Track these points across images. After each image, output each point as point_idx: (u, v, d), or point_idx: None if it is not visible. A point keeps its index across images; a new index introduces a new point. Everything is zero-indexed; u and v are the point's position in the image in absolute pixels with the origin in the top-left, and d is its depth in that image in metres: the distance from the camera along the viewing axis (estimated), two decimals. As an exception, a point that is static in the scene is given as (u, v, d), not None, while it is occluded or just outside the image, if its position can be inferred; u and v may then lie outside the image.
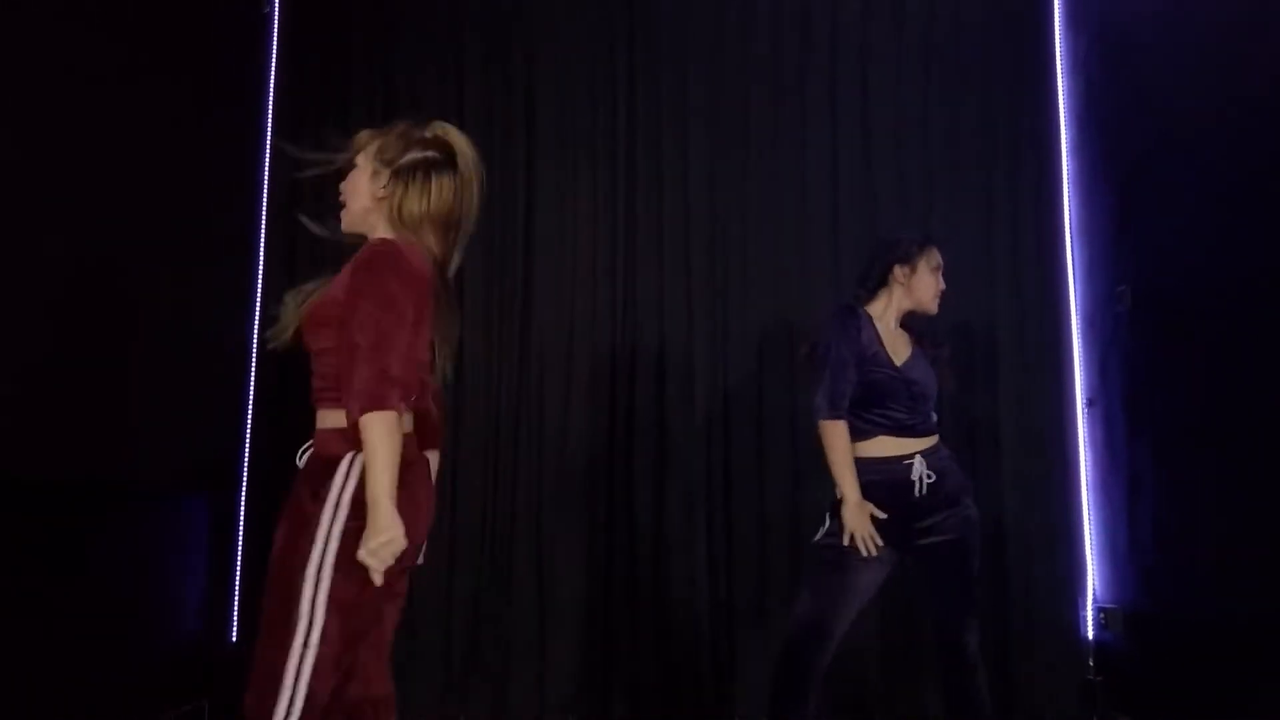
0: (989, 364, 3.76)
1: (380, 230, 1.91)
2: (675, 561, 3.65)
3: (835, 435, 2.64)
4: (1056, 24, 3.95)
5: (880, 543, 2.57)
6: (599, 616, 3.64)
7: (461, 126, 3.73)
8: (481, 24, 3.92)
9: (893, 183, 3.86)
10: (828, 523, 2.68)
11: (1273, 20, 2.68)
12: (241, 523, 3.64)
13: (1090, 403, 3.69)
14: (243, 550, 3.63)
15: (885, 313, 2.79)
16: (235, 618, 3.61)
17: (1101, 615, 3.56)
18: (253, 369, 3.68)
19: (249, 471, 3.68)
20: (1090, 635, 3.60)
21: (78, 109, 2.70)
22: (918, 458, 2.67)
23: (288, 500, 1.82)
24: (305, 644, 1.69)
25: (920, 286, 2.78)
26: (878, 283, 2.80)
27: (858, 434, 2.68)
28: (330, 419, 1.81)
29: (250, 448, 3.68)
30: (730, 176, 3.85)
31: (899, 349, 2.75)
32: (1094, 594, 3.62)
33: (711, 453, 3.72)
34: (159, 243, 3.07)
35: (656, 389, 3.75)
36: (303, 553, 1.70)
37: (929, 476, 2.66)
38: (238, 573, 3.63)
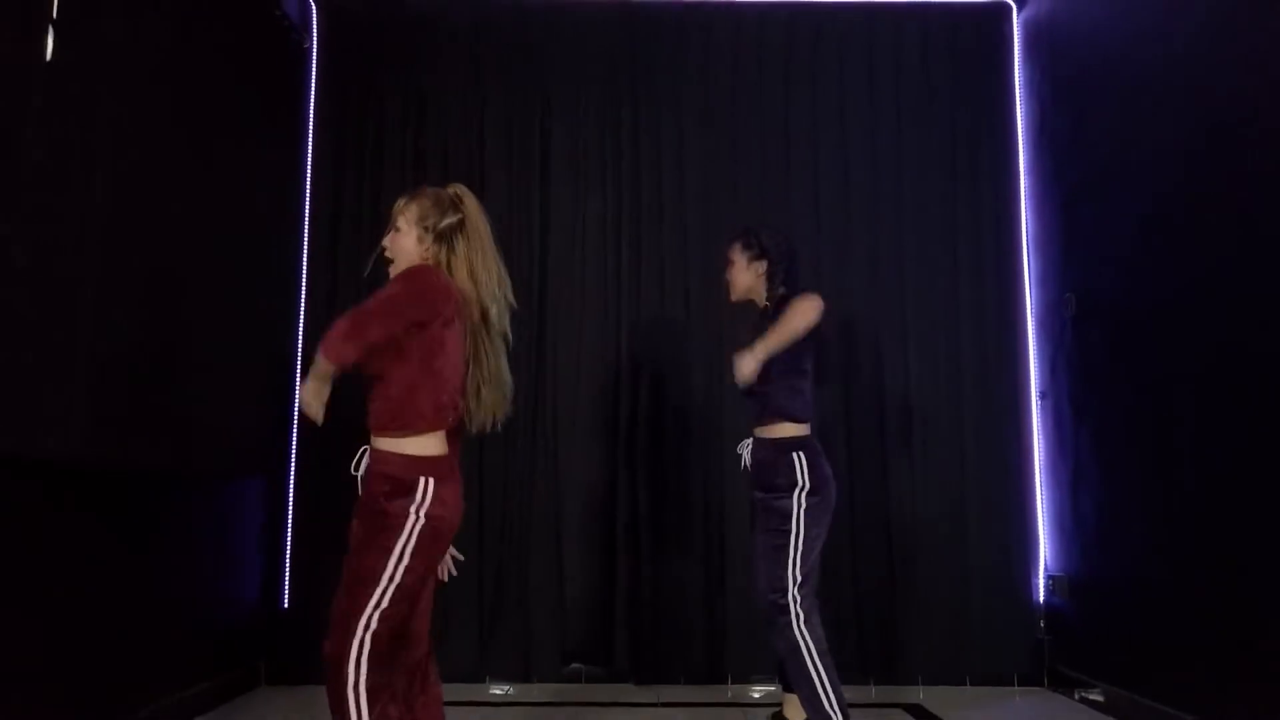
0: (953, 361, 4.22)
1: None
2: (671, 545, 4.09)
3: None
4: (1016, 56, 4.40)
5: None
6: (606, 587, 4.09)
7: (482, 156, 4.26)
8: (502, 63, 4.35)
9: (868, 201, 4.30)
10: None
11: (1196, 63, 3.09)
12: (290, 503, 4.10)
13: (1043, 395, 4.15)
14: (292, 527, 4.09)
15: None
16: (286, 587, 4.06)
17: (1050, 582, 4.03)
18: (297, 370, 4.13)
19: (296, 458, 4.13)
20: (1041, 600, 4.07)
21: (158, 149, 3.13)
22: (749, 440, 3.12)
23: (363, 498, 2.24)
24: (377, 607, 2.13)
25: None
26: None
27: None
28: (404, 445, 2.22)
29: (296, 438, 4.14)
30: (721, 199, 4.27)
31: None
32: (1045, 564, 4.09)
33: (708, 444, 4.15)
34: (221, 259, 3.50)
35: (655, 385, 4.19)
36: (382, 543, 2.14)
37: (747, 459, 3.13)
38: (288, 547, 4.08)
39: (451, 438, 2.33)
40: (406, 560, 2.16)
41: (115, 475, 2.91)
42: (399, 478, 2.18)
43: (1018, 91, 4.39)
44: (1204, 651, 3.02)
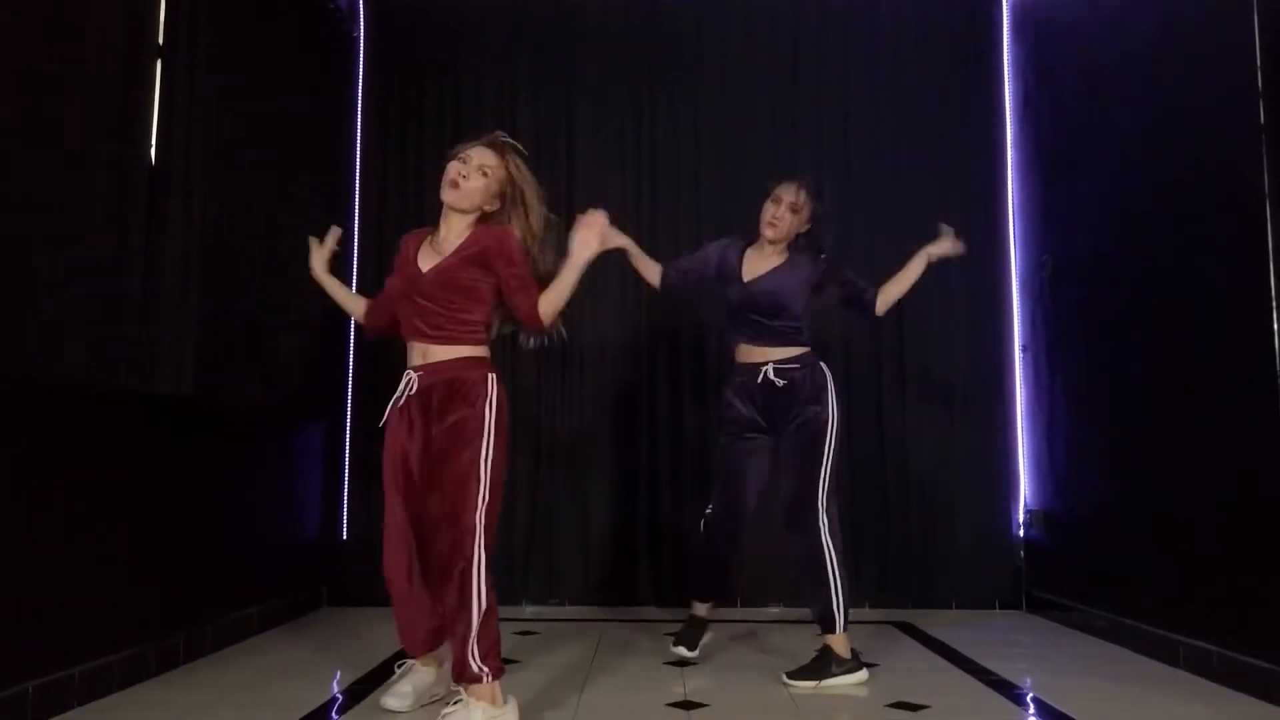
0: (944, 316, 4.64)
1: (468, 217, 2.62)
2: (688, 487, 4.55)
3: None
4: (1005, 40, 4.79)
5: None
6: (628, 525, 4.57)
7: (514, 138, 4.68)
8: (533, 49, 4.79)
9: (867, 171, 4.72)
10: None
11: (1164, 51, 3.43)
12: (348, 444, 4.61)
13: (1024, 349, 4.57)
14: (349, 466, 4.60)
15: (760, 240, 3.33)
16: (345, 520, 4.58)
17: (1029, 516, 4.47)
18: (351, 329, 4.61)
19: (351, 406, 4.63)
20: (1021, 533, 4.52)
21: (242, 134, 3.58)
22: (769, 365, 3.23)
23: (438, 411, 2.53)
24: (483, 503, 2.46)
25: (762, 213, 3.31)
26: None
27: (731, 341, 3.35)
28: (467, 350, 2.58)
29: (351, 388, 4.63)
30: (733, 182, 4.67)
31: (755, 269, 3.29)
32: (1025, 500, 4.53)
33: (717, 407, 4.59)
34: (289, 230, 3.96)
35: (673, 347, 4.65)
36: (476, 445, 2.48)
37: (779, 382, 3.22)
38: (345, 485, 4.60)
39: None
40: (495, 455, 2.51)
41: (202, 413, 3.36)
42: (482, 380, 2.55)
43: (1006, 72, 4.77)
44: (1148, 570, 3.46)
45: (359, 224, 4.72)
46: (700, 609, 3.45)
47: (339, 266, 4.52)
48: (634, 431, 4.61)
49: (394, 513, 2.65)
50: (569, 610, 4.41)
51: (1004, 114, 4.76)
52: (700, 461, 4.54)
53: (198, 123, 3.13)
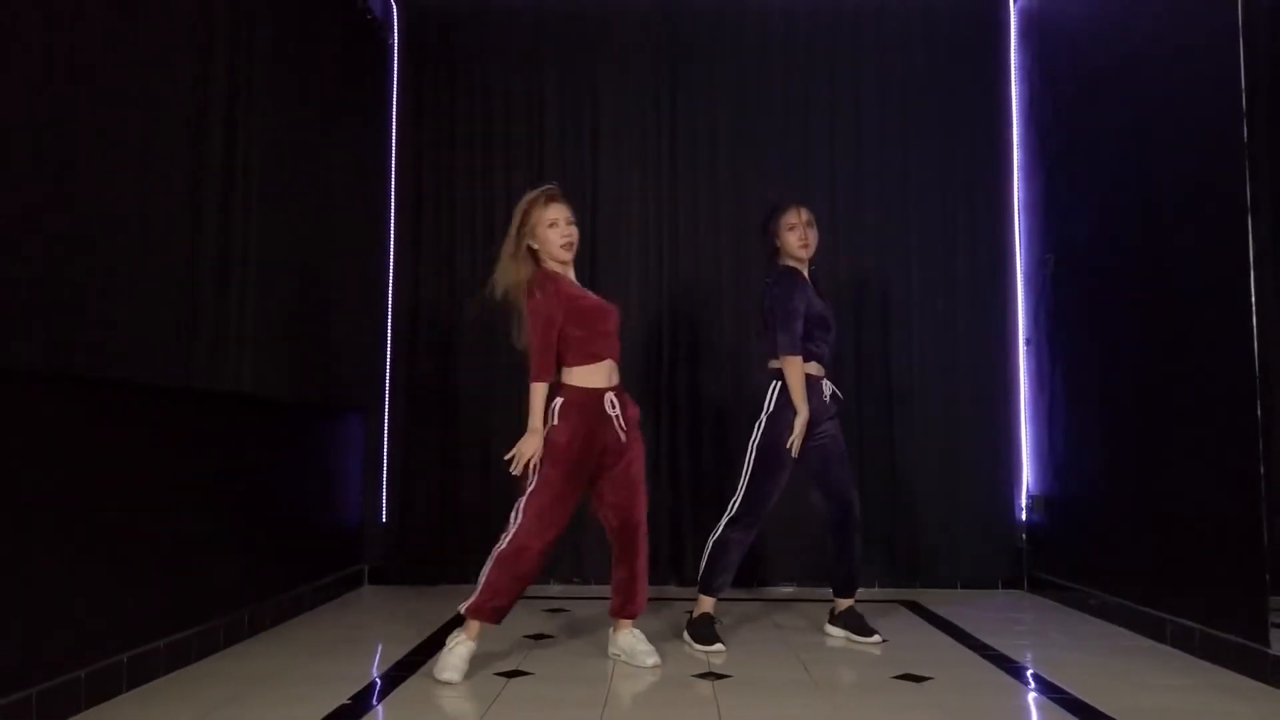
0: (951, 310, 4.87)
1: None
2: (707, 473, 4.82)
3: (796, 367, 3.48)
4: (1011, 42, 4.98)
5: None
6: (651, 508, 4.80)
7: (541, 142, 4.92)
8: (556, 55, 5.02)
9: (878, 170, 4.94)
10: (759, 434, 3.54)
11: (1161, 55, 3.62)
12: (386, 434, 4.88)
13: (1027, 342, 4.80)
14: (387, 454, 4.87)
15: (802, 265, 3.60)
16: (384, 505, 4.86)
17: (1030, 501, 4.72)
18: (388, 326, 4.89)
19: (390, 394, 4.90)
20: (1023, 517, 4.77)
21: (289, 143, 3.81)
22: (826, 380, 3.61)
23: (633, 418, 3.25)
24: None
25: (784, 242, 3.58)
26: (771, 247, 3.65)
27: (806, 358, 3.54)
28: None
29: (389, 381, 4.90)
30: (748, 179, 4.93)
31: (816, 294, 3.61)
32: (1027, 486, 4.77)
33: (740, 384, 4.84)
34: (334, 233, 4.23)
35: (692, 335, 4.90)
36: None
37: (840, 394, 3.68)
38: (384, 471, 4.88)
39: None
40: None
41: (252, 405, 3.59)
42: None
43: (1012, 73, 4.97)
44: (1142, 552, 3.70)
45: (395, 223, 4.97)
46: (708, 603, 3.56)
47: (377, 277, 4.83)
48: (654, 412, 4.86)
49: (568, 501, 3.14)
50: (594, 589, 4.69)
51: (1010, 115, 4.96)
52: (719, 441, 4.81)
53: (256, 129, 3.38)
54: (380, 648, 3.47)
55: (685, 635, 3.50)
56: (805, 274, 3.63)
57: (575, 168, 4.98)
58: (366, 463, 4.82)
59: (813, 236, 3.61)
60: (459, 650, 3.00)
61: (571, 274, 3.25)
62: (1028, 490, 4.77)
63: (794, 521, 4.58)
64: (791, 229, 3.58)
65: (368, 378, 4.74)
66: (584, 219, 4.91)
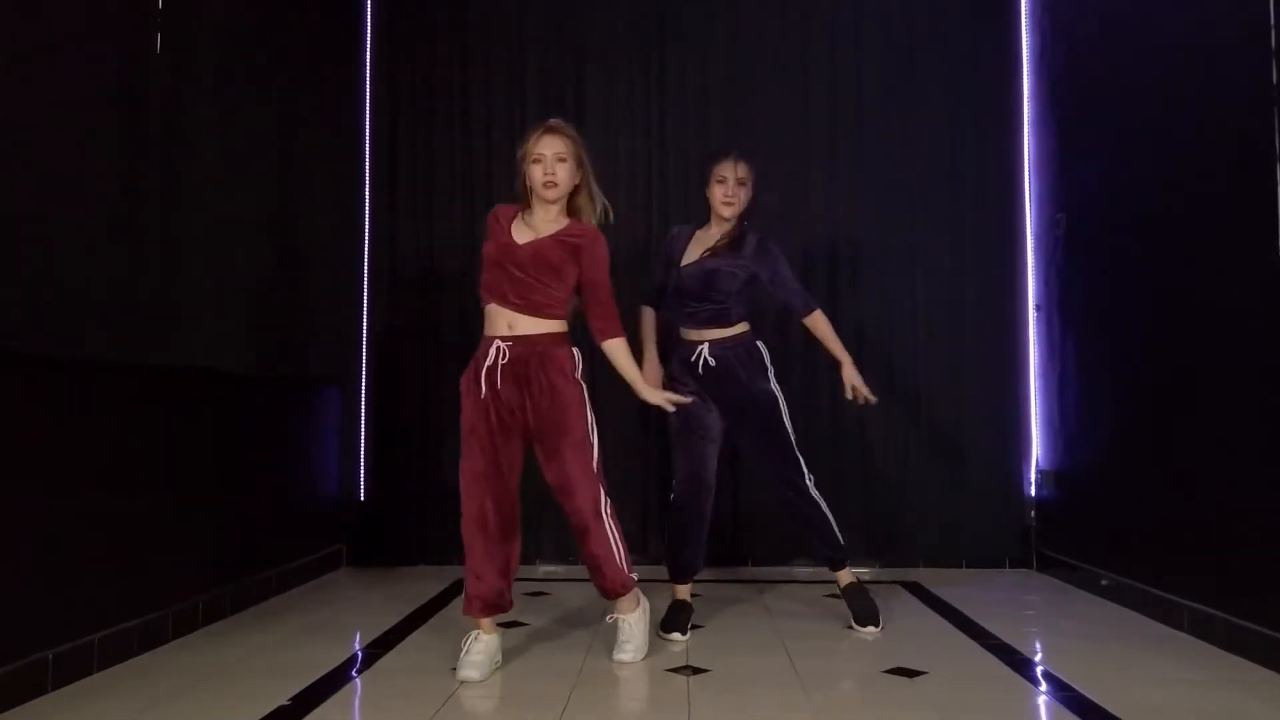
0: (958, 276, 4.60)
1: (560, 205, 2.90)
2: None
3: (644, 317, 3.44)
4: (1022, -14, 4.68)
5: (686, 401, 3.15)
6: (640, 487, 4.62)
7: (523, 100, 4.66)
8: (539, 11, 4.73)
9: (880, 125, 4.65)
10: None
11: (1175, 9, 3.37)
12: (363, 408, 4.67)
13: (1038, 308, 4.53)
14: (365, 430, 4.67)
15: (716, 226, 3.35)
16: (362, 482, 4.66)
17: (1040, 476, 4.47)
18: (364, 296, 4.67)
19: (366, 371, 4.69)
20: (1032, 493, 4.52)
21: (252, 111, 3.59)
22: (705, 344, 3.31)
23: (538, 379, 2.83)
24: (598, 464, 2.91)
25: (711, 196, 3.31)
26: (707, 205, 3.37)
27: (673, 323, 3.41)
28: (552, 325, 2.87)
29: (366, 353, 4.69)
30: (744, 142, 4.59)
31: (695, 252, 3.33)
32: (1036, 460, 4.52)
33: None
34: (304, 199, 4.01)
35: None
36: (582, 411, 2.89)
37: (710, 361, 3.30)
38: (362, 447, 4.67)
39: None
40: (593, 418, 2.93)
41: (219, 378, 3.41)
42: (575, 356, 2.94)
43: (1022, 21, 4.66)
44: (1157, 532, 3.46)
45: (369, 187, 4.73)
46: (683, 590, 3.39)
47: (353, 241, 4.60)
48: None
49: (475, 463, 2.86)
50: (581, 570, 4.47)
51: (1020, 66, 4.66)
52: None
53: (201, 93, 3.15)
54: (346, 637, 3.27)
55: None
56: (720, 232, 3.35)
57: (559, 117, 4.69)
58: (343, 438, 4.61)
59: (742, 195, 3.30)
60: (472, 646, 2.80)
61: (549, 205, 2.89)
62: (1037, 465, 4.52)
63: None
64: (721, 182, 3.29)
65: (343, 349, 4.53)
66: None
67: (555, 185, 2.85)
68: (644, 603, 3.02)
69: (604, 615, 3.13)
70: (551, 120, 2.93)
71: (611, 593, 2.95)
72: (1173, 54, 3.36)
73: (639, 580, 3.00)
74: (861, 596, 3.37)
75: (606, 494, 2.92)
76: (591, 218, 2.96)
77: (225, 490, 3.50)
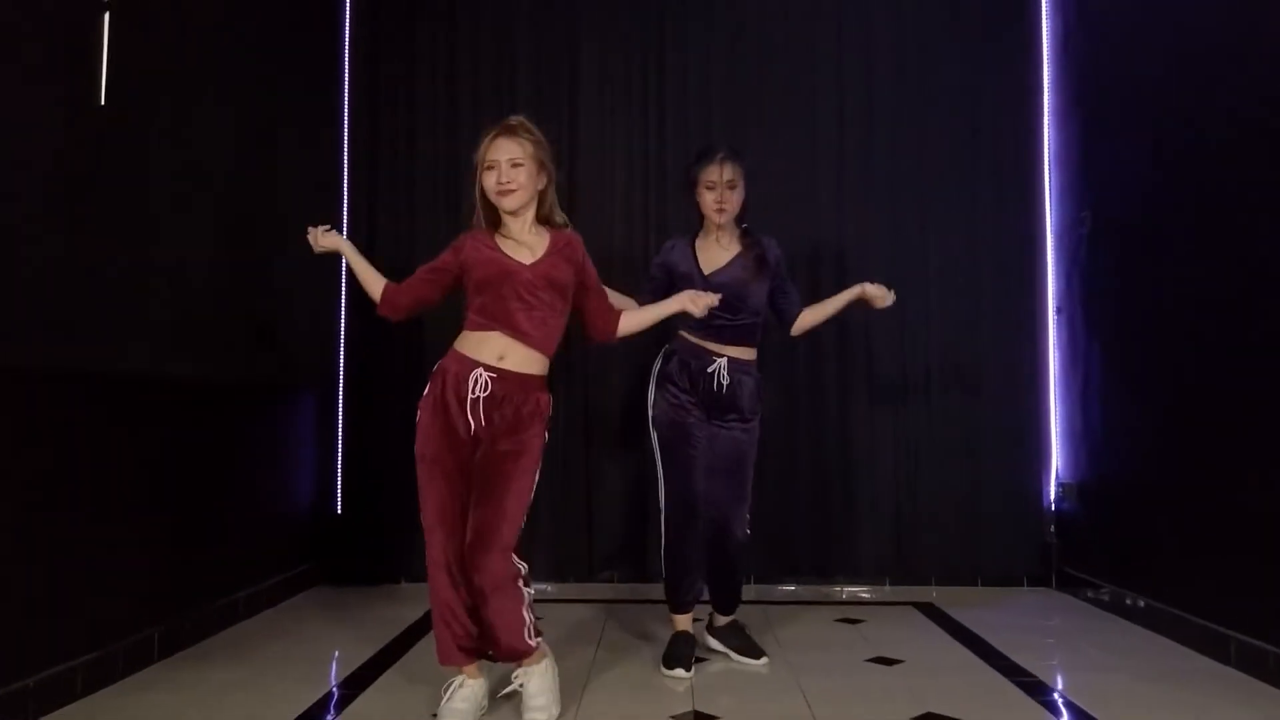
0: (973, 275, 4.33)
1: (529, 210, 2.55)
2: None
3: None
4: (1043, -29, 4.40)
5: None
6: (635, 503, 4.35)
7: (513, 96, 4.36)
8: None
9: (890, 113, 4.37)
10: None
11: None
12: (342, 416, 4.37)
13: (1058, 310, 4.27)
14: (343, 439, 4.36)
15: (706, 229, 3.09)
16: (339, 494, 4.36)
17: (1061, 489, 4.21)
18: (342, 296, 4.36)
19: (344, 376, 4.38)
20: (1052, 506, 4.26)
21: (216, 83, 3.30)
22: (725, 359, 3.02)
23: (505, 418, 2.48)
24: (524, 514, 2.50)
25: (702, 203, 3.04)
26: (692, 199, 3.09)
27: (680, 325, 3.07)
28: (542, 365, 2.56)
29: (344, 357, 4.38)
30: (749, 135, 4.33)
31: (716, 260, 3.05)
32: (1056, 472, 4.26)
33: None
34: (277, 191, 3.73)
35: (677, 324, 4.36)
36: (536, 465, 2.51)
37: (724, 378, 3.01)
38: (339, 458, 4.37)
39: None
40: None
41: (179, 387, 3.15)
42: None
43: (1044, 8, 4.39)
44: (1192, 551, 3.20)
45: (348, 181, 4.43)
46: (682, 621, 3.08)
47: (333, 222, 4.29)
48: (640, 399, 4.34)
49: (439, 497, 2.50)
50: (574, 589, 4.20)
51: (1040, 54, 4.39)
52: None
53: (154, 76, 2.85)
54: (318, 672, 2.98)
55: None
56: (715, 238, 3.09)
57: (553, 119, 4.36)
58: (320, 448, 4.31)
59: (734, 200, 3.03)
60: (456, 693, 2.51)
61: (518, 217, 2.54)
62: (1057, 476, 4.26)
63: (802, 507, 4.09)
64: (710, 188, 3.02)
65: (320, 352, 4.24)
66: (560, 179, 4.38)
67: (512, 191, 2.49)
68: (548, 652, 2.59)
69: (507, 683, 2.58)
70: (510, 119, 2.56)
71: (508, 658, 2.53)
72: (1210, 39, 3.11)
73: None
74: (742, 633, 3.19)
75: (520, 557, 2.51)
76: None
77: (183, 509, 3.20)
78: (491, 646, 2.50)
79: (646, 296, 3.08)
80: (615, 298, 2.91)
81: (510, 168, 2.49)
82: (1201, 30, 3.16)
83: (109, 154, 2.67)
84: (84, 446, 2.68)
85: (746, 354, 3.09)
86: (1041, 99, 4.37)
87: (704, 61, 4.43)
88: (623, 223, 4.41)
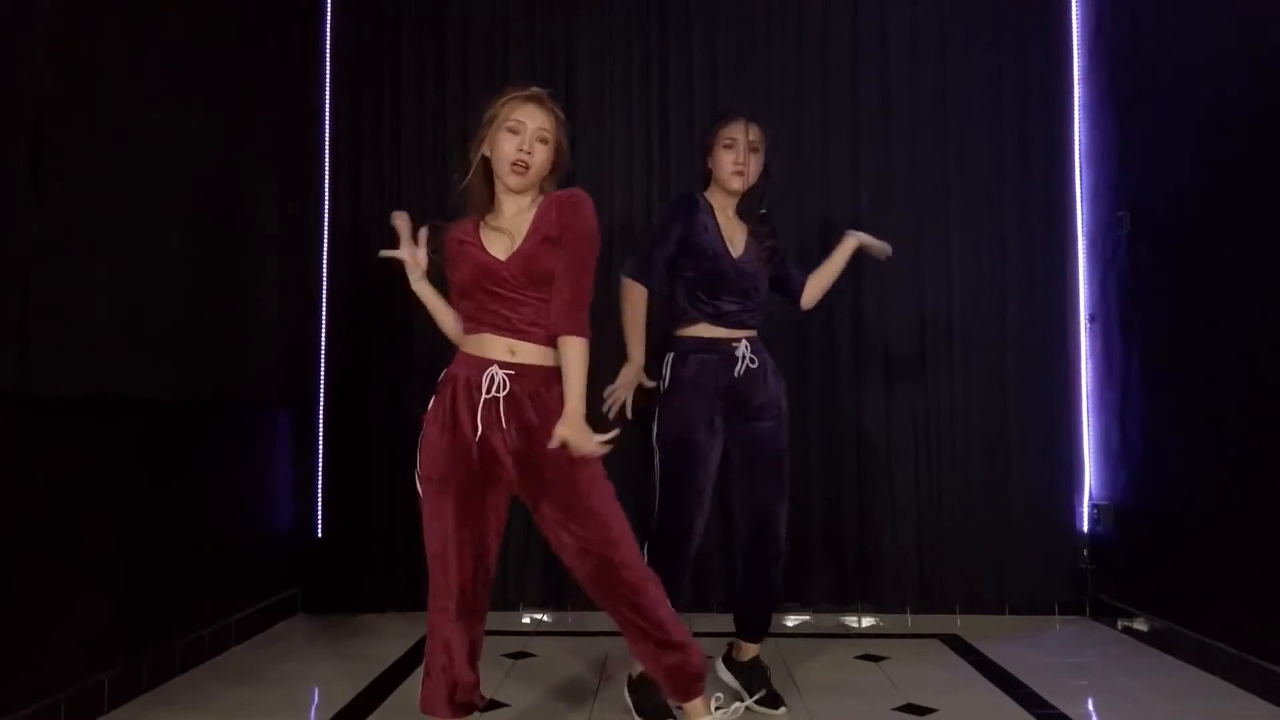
0: (998, 280, 4.05)
1: (527, 195, 2.21)
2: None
3: (634, 294, 2.68)
4: (1073, -43, 4.12)
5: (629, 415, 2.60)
6: (635, 521, 4.03)
7: (505, 69, 4.06)
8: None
9: (909, 108, 4.09)
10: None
11: None
12: (321, 434, 4.08)
13: (1092, 319, 3.98)
14: (323, 457, 4.07)
15: (724, 201, 2.77)
16: (320, 515, 4.06)
17: (1095, 511, 3.91)
18: (323, 308, 4.08)
19: (324, 393, 4.08)
20: (1085, 529, 3.97)
21: (184, 86, 3.03)
22: (743, 342, 2.74)
23: (537, 426, 2.12)
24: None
25: (715, 162, 2.72)
26: (705, 175, 2.79)
27: (684, 317, 2.75)
28: (553, 357, 2.17)
29: (324, 374, 4.08)
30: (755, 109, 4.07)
31: (736, 240, 2.76)
32: (1090, 492, 3.97)
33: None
34: (251, 196, 3.46)
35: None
36: (595, 464, 2.17)
37: (752, 362, 2.73)
38: (319, 479, 4.08)
39: None
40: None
41: (153, 407, 2.91)
42: None
43: (1074, -5, 4.11)
44: (1248, 582, 2.92)
45: (329, 180, 4.14)
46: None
47: (309, 242, 4.02)
48: (640, 415, 4.06)
49: (446, 524, 2.15)
50: (571, 618, 3.91)
51: (1070, 43, 4.10)
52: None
53: (98, 77, 2.58)
54: (292, 717, 2.70)
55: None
56: (731, 210, 2.77)
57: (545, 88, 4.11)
58: (298, 468, 4.02)
59: (754, 164, 2.70)
60: None
61: (514, 199, 2.21)
62: (1091, 498, 3.96)
63: (816, 529, 3.80)
64: (729, 146, 2.69)
65: (297, 365, 3.95)
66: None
67: (526, 169, 2.16)
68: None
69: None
70: (536, 88, 2.22)
71: (693, 677, 2.20)
72: (1257, 25, 2.82)
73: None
74: (764, 676, 2.86)
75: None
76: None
77: (145, 538, 2.92)
78: (663, 663, 2.18)
79: (642, 256, 2.73)
80: (640, 301, 2.67)
81: (535, 140, 2.17)
82: (1247, 18, 2.88)
83: (41, 138, 2.39)
84: (16, 473, 2.39)
85: (754, 334, 2.82)
86: (1072, 93, 4.09)
87: (708, 56, 4.14)
88: (622, 217, 4.11)
